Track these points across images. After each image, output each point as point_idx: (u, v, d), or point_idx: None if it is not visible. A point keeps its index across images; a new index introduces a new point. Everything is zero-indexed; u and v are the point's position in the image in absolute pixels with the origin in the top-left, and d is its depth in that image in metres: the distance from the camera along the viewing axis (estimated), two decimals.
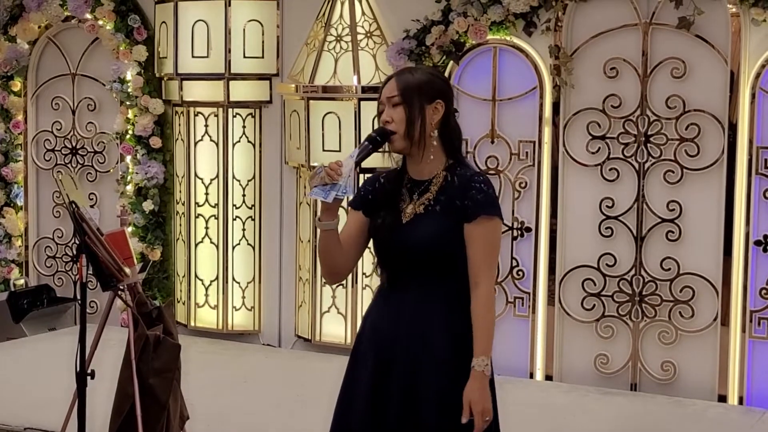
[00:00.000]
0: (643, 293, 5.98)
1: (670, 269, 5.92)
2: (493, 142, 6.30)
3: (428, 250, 3.20)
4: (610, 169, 6.03)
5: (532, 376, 6.24)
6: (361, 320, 3.46)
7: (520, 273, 6.25)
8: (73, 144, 7.68)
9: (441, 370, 3.18)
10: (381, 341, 3.25)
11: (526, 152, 6.22)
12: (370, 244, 3.34)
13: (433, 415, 3.16)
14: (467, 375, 3.13)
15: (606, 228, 6.06)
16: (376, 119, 3.36)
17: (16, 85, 7.76)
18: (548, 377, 6.20)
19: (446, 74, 6.33)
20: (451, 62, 6.32)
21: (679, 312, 5.91)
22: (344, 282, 6.28)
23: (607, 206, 6.05)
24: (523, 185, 6.23)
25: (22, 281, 7.81)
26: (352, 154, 3.17)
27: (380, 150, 3.26)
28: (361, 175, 4.68)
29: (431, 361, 3.18)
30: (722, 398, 5.83)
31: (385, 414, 3.20)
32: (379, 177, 3.37)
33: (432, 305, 3.22)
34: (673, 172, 5.89)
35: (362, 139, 3.27)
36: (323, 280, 3.44)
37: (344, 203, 3.34)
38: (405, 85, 3.23)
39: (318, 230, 3.25)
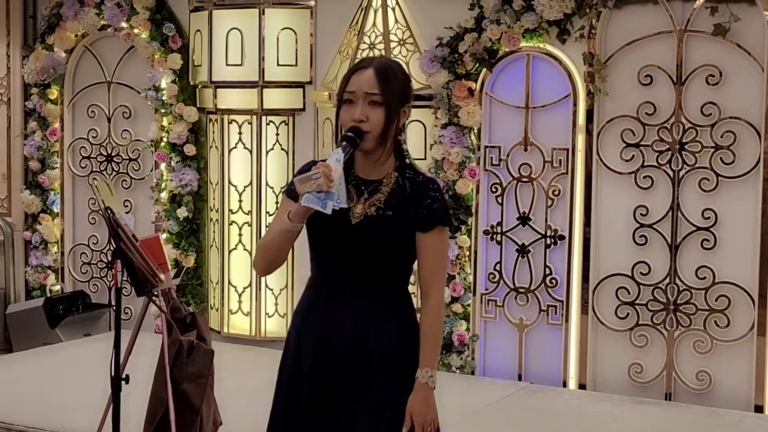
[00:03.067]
0: (678, 302, 5.94)
1: (705, 278, 5.88)
2: (526, 149, 6.28)
3: (382, 255, 3.11)
4: (645, 177, 6.00)
5: (565, 384, 6.21)
6: (293, 315, 3.34)
7: (554, 281, 6.22)
8: (109, 151, 7.73)
9: (388, 378, 3.11)
10: (324, 350, 3.15)
11: (560, 160, 6.20)
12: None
13: (372, 423, 3.10)
14: (412, 379, 3.09)
15: (640, 236, 6.03)
16: (341, 108, 3.10)
17: (53, 93, 7.82)
18: (581, 386, 6.17)
19: (479, 82, 6.34)
20: (484, 70, 6.32)
21: (715, 321, 5.87)
22: None
23: (641, 214, 6.02)
24: (556, 193, 6.21)
25: (57, 287, 7.86)
26: (336, 158, 2.97)
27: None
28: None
29: (377, 370, 3.10)
30: (759, 408, 5.77)
31: (329, 418, 3.14)
32: (313, 163, 3.13)
33: (379, 309, 3.13)
34: (708, 180, 5.85)
35: (338, 140, 3.08)
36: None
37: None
38: (388, 86, 3.08)
39: (279, 229, 3.06)
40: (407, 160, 3.19)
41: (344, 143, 3.03)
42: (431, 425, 3.07)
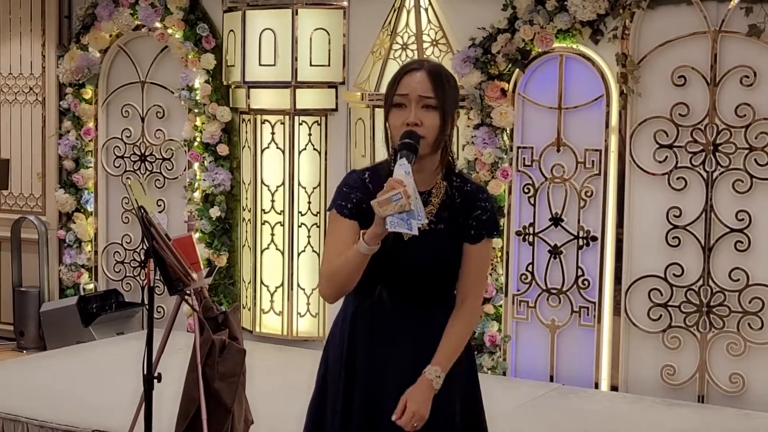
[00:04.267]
0: (711, 304, 5.90)
1: (738, 280, 5.84)
2: (558, 150, 6.27)
3: (438, 271, 3.03)
4: (678, 178, 5.97)
5: (597, 386, 6.19)
6: (338, 326, 3.17)
7: (586, 282, 6.20)
8: (142, 151, 7.77)
9: (447, 396, 3.05)
10: (378, 362, 3.05)
11: (593, 161, 6.18)
12: None
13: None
14: (468, 388, 3.08)
15: (673, 237, 6.00)
16: (390, 112, 2.99)
17: (88, 92, 7.87)
18: (613, 387, 6.15)
19: (512, 82, 6.33)
20: (517, 70, 6.30)
21: (748, 323, 5.83)
22: None
23: (674, 215, 5.99)
24: (588, 194, 6.19)
25: (91, 286, 7.91)
26: (404, 170, 2.80)
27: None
28: None
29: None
30: None
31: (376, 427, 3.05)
32: (362, 178, 3.06)
33: (434, 322, 3.05)
34: (742, 181, 5.82)
35: (397, 147, 2.91)
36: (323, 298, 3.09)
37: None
38: (443, 90, 2.96)
39: (355, 253, 2.88)
40: (454, 168, 3.10)
41: (407, 152, 2.87)
42: (419, 420, 2.97)
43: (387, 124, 3.03)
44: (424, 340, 3.04)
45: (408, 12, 6.56)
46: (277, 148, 7.09)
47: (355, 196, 3.01)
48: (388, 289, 3.04)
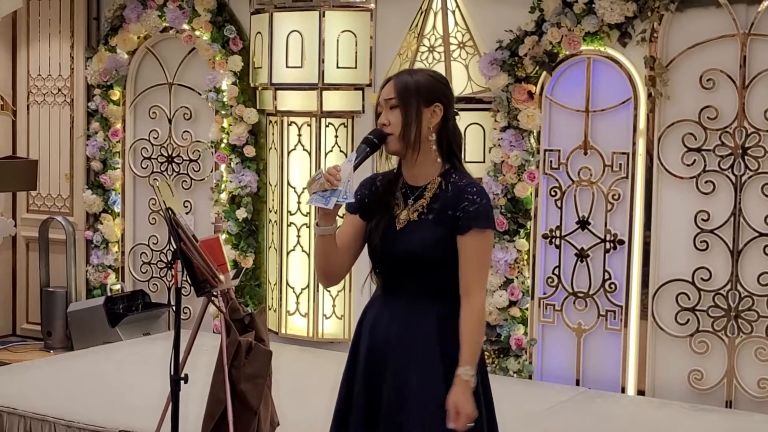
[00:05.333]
0: (740, 308, 5.87)
1: (767, 284, 5.81)
2: (586, 153, 6.25)
3: (418, 258, 3.20)
4: (706, 182, 5.94)
5: (623, 390, 6.16)
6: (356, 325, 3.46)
7: (613, 286, 6.18)
8: (169, 152, 7.80)
9: (428, 377, 3.19)
10: (374, 346, 3.27)
11: (620, 164, 6.15)
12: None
13: (416, 420, 3.17)
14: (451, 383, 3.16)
15: (701, 241, 5.96)
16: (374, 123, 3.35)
17: (116, 94, 7.90)
18: (640, 392, 6.12)
19: (539, 85, 6.31)
20: (544, 73, 6.29)
21: None
22: None
23: (702, 219, 5.95)
24: (616, 197, 6.17)
25: (118, 286, 7.95)
26: (349, 158, 3.16)
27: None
28: None
29: (418, 368, 3.19)
30: None
31: (376, 417, 3.24)
32: (375, 179, 3.38)
33: (422, 312, 3.22)
34: None
35: (359, 143, 3.26)
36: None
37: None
38: (403, 88, 3.23)
39: (315, 235, 3.27)
40: (459, 168, 3.29)
41: (361, 145, 3.22)
42: (470, 419, 3.12)
43: None
44: (405, 327, 3.23)
45: (435, 14, 6.56)
46: (304, 149, 7.10)
47: (360, 194, 3.34)
48: (381, 279, 3.32)
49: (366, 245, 3.35)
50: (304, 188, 7.08)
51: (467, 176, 3.28)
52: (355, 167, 3.16)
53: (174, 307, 4.21)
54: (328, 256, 3.27)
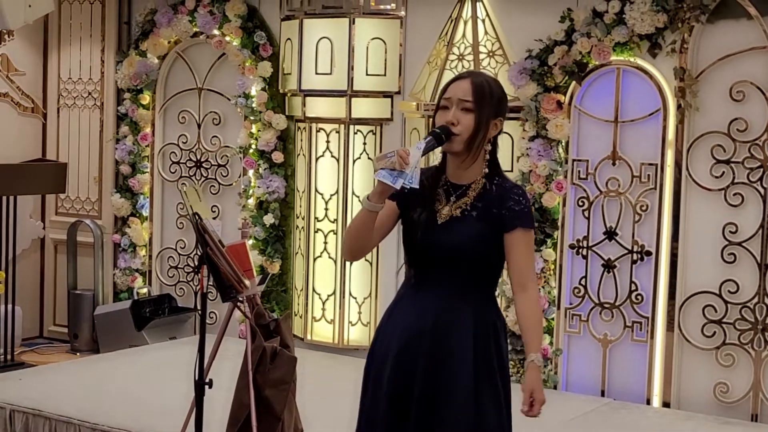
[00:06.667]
0: (767, 322, 5.83)
1: None
2: (614, 163, 6.23)
3: (461, 252, 3.28)
4: (734, 194, 5.91)
5: (649, 402, 6.13)
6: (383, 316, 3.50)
7: (639, 297, 6.15)
8: (198, 157, 7.83)
9: (464, 371, 3.25)
10: (406, 338, 3.31)
11: (648, 175, 6.13)
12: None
13: (453, 415, 3.24)
14: (488, 377, 3.26)
15: (729, 254, 5.93)
16: (436, 113, 3.38)
17: (145, 98, 7.95)
18: (665, 404, 6.09)
19: (568, 95, 6.30)
20: (574, 83, 6.28)
21: None
22: None
23: (730, 231, 5.92)
24: (644, 208, 6.15)
25: (145, 290, 7.98)
26: (418, 145, 3.20)
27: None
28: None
29: (454, 362, 3.26)
30: None
31: (407, 412, 3.28)
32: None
33: (458, 306, 3.30)
34: None
35: (427, 134, 3.32)
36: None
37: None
38: (480, 94, 3.29)
39: (360, 208, 3.32)
40: (500, 173, 3.39)
41: (429, 137, 3.26)
42: (541, 405, 3.30)
43: (433, 125, 3.37)
44: (444, 322, 3.29)
45: (465, 23, 6.56)
46: (332, 156, 7.11)
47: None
48: (417, 270, 3.38)
49: (403, 237, 3.43)
50: (331, 195, 7.09)
51: (510, 181, 3.41)
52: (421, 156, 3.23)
53: (200, 312, 4.22)
54: (365, 230, 3.33)
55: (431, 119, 3.44)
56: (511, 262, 3.32)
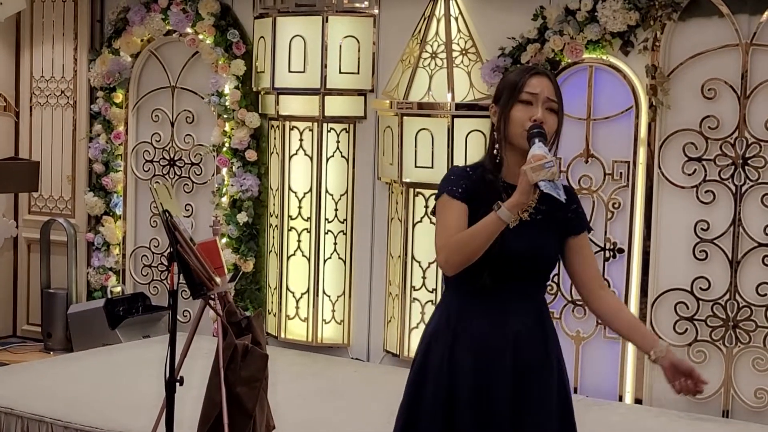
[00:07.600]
0: (738, 318, 5.86)
1: (765, 295, 5.80)
2: (587, 161, 6.25)
3: (539, 257, 3.21)
4: (706, 192, 5.94)
5: (621, 398, 6.16)
6: (438, 320, 3.32)
7: None
8: (171, 155, 7.81)
9: (542, 377, 3.21)
10: (485, 351, 3.17)
11: (621, 172, 6.15)
12: None
13: (556, 415, 3.24)
14: (562, 377, 3.26)
15: (700, 251, 5.96)
16: (515, 105, 3.17)
17: (118, 96, 7.92)
18: (638, 400, 6.11)
19: None
20: None
21: None
22: (433, 299, 6.33)
23: (702, 229, 5.95)
24: (616, 206, 6.17)
25: (118, 289, 7.95)
26: (544, 150, 3.00)
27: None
28: None
29: (540, 364, 3.21)
30: None
31: (491, 419, 3.16)
32: (466, 171, 3.24)
33: (537, 317, 3.24)
34: None
35: (529, 133, 3.09)
36: (442, 267, 3.26)
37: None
38: (561, 97, 3.21)
39: (493, 220, 3.03)
40: None
41: (541, 137, 3.06)
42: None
43: (502, 118, 3.20)
44: (527, 334, 3.20)
45: (438, 21, 6.57)
46: (305, 154, 7.10)
47: (464, 183, 3.19)
48: (491, 274, 3.15)
49: None
50: (305, 193, 7.08)
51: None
52: None
53: (171, 310, 4.21)
54: (488, 243, 3.06)
55: (503, 110, 3.18)
56: (585, 264, 3.27)
